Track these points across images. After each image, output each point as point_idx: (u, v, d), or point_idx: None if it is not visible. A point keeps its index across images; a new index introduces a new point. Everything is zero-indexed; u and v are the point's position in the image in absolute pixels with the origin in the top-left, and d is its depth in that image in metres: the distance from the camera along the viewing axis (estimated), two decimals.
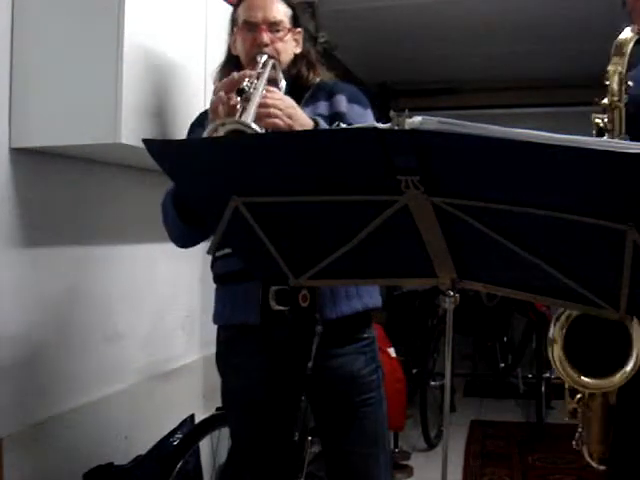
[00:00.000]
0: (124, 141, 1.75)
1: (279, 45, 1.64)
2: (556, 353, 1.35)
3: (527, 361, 4.83)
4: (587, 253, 1.01)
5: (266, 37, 1.62)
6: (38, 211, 1.94)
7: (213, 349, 1.76)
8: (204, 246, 1.78)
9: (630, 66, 1.42)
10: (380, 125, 0.90)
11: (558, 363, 1.35)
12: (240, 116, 1.37)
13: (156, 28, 1.91)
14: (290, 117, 1.45)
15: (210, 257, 1.79)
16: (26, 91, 1.83)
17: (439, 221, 1.04)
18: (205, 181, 1.10)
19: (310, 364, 1.54)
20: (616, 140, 0.81)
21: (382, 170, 0.96)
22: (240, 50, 1.68)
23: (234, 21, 1.72)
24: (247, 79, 1.46)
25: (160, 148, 1.05)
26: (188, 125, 1.87)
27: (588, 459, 1.41)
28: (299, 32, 1.72)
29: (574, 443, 1.42)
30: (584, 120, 1.53)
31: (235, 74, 1.50)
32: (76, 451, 2.05)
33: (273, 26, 1.64)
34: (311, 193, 1.05)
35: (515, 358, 5.02)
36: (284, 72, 1.63)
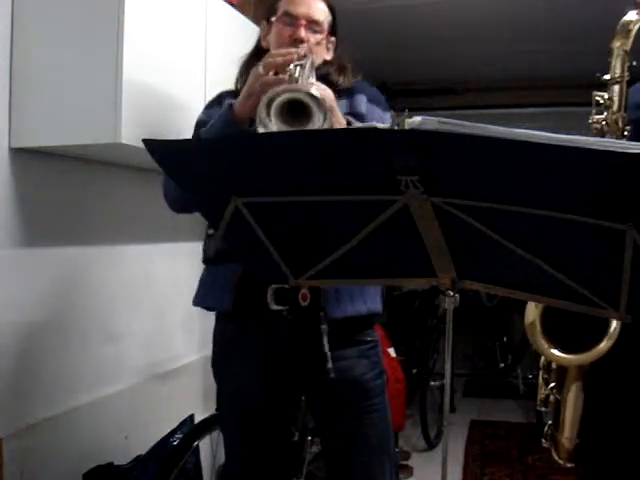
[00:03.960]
0: (124, 141, 1.75)
1: (314, 46, 1.60)
2: (531, 318, 1.33)
3: (527, 361, 4.83)
4: (587, 253, 1.01)
5: (303, 33, 1.58)
6: (38, 211, 1.94)
7: None
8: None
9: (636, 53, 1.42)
10: (380, 125, 0.90)
11: (530, 331, 1.33)
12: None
13: (156, 28, 1.91)
14: (330, 110, 1.40)
15: None
16: (26, 91, 1.83)
17: (439, 221, 1.04)
18: (205, 181, 1.10)
19: (330, 365, 1.48)
20: (616, 140, 0.81)
21: (382, 170, 0.96)
22: (273, 41, 1.63)
23: (271, 12, 1.66)
24: (292, 64, 1.41)
25: (160, 148, 1.05)
26: (188, 125, 1.87)
27: (556, 458, 1.40)
28: (333, 41, 1.69)
29: (543, 440, 1.41)
30: (584, 120, 1.52)
31: (279, 54, 1.45)
32: (76, 451, 2.05)
33: (312, 25, 1.60)
34: (311, 193, 1.05)
35: (515, 358, 5.02)
36: None
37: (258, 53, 1.69)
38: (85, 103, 1.77)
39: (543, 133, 0.84)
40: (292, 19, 1.60)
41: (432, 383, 4.03)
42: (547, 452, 3.74)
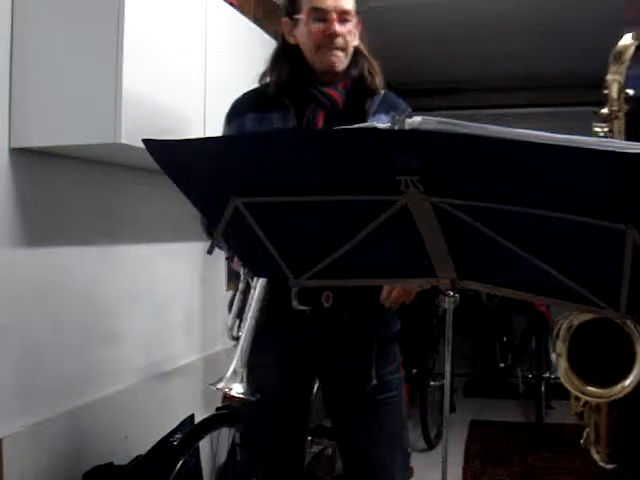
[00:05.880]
0: (124, 141, 1.75)
1: (348, 37, 1.57)
2: (562, 366, 1.35)
3: (527, 361, 4.83)
4: (587, 253, 1.01)
5: (338, 27, 1.54)
6: (38, 211, 1.94)
7: (213, 349, 1.76)
8: (204, 246, 1.78)
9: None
10: (380, 125, 0.90)
11: (564, 375, 1.35)
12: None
13: (156, 28, 1.91)
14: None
15: (210, 258, 1.78)
16: (26, 91, 1.83)
17: (439, 221, 1.04)
18: (205, 181, 1.10)
19: (374, 382, 1.56)
20: (616, 140, 0.81)
21: (382, 170, 0.96)
22: (307, 41, 1.58)
23: (292, 7, 1.61)
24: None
25: (160, 148, 1.05)
26: (188, 125, 1.87)
27: (596, 458, 1.41)
28: (359, 20, 1.63)
29: (582, 442, 1.42)
30: (584, 120, 1.52)
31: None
32: (76, 451, 2.05)
33: (343, 15, 1.55)
34: (311, 193, 1.05)
35: (515, 358, 5.02)
36: (347, 70, 1.60)
37: (285, 50, 1.65)
38: (85, 103, 1.77)
39: (543, 133, 0.84)
40: (322, 14, 1.55)
41: (432, 383, 4.03)
42: (547, 452, 3.72)
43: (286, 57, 1.63)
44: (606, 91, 1.37)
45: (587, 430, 1.40)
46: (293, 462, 1.72)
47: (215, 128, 2.17)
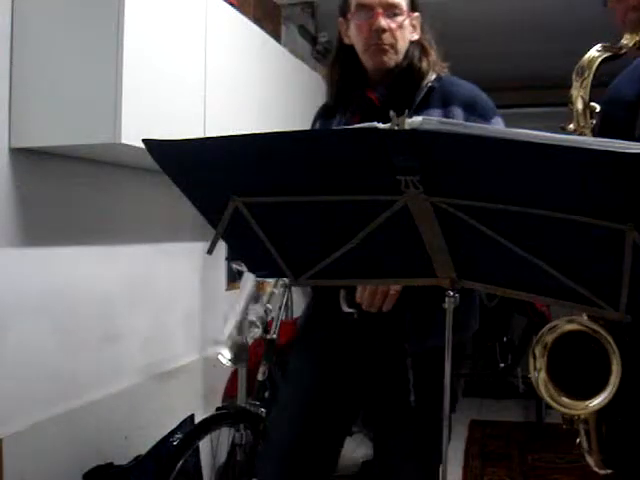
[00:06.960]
0: (124, 141, 1.75)
1: (397, 32, 1.52)
2: (541, 378, 1.34)
3: (527, 361, 4.81)
4: (587, 253, 1.01)
5: (384, 22, 1.49)
6: (38, 211, 1.95)
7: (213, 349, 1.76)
8: (204, 246, 1.78)
9: (600, 84, 1.39)
10: (380, 125, 0.90)
11: (544, 388, 1.34)
12: None
13: (156, 28, 1.91)
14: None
15: (210, 258, 1.78)
16: (26, 91, 1.83)
17: (439, 221, 1.04)
18: (205, 181, 1.10)
19: (412, 397, 1.48)
20: (616, 140, 0.81)
21: (382, 170, 0.96)
22: (355, 38, 1.56)
23: (344, 7, 1.58)
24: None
25: (160, 148, 1.05)
26: (188, 125, 1.86)
27: (591, 464, 1.41)
28: (417, 17, 1.58)
29: (579, 448, 1.42)
30: None
31: None
32: (76, 451, 2.05)
33: (390, 9, 1.51)
34: (311, 193, 1.05)
35: (515, 358, 5.02)
36: (397, 65, 1.55)
37: (343, 51, 1.62)
38: (85, 103, 1.77)
39: (543, 133, 0.84)
40: (367, 10, 1.51)
41: None
42: (547, 452, 3.71)
43: (340, 60, 1.62)
44: (571, 106, 1.36)
45: (579, 438, 1.40)
46: (317, 466, 1.61)
47: (215, 128, 2.17)
